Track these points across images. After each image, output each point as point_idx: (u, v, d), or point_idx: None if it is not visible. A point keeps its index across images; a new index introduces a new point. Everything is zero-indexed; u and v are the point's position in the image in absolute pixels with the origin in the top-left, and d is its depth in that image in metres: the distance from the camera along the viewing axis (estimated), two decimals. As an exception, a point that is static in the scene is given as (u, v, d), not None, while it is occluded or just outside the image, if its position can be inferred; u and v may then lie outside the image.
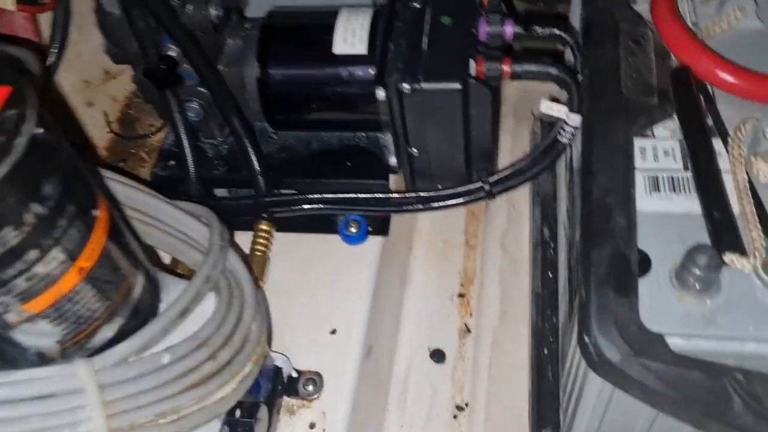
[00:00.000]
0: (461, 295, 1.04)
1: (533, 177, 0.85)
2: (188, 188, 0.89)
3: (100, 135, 1.10)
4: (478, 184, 0.85)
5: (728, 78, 0.69)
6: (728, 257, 0.58)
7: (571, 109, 0.79)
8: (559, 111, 0.80)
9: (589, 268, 0.59)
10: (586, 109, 0.73)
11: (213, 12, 0.83)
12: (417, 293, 1.04)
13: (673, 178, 0.65)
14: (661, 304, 0.58)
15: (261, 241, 0.85)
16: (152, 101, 0.93)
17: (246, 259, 0.82)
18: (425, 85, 0.76)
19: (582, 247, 0.62)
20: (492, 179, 0.85)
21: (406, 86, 0.76)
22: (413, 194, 0.87)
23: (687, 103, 0.69)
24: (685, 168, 0.66)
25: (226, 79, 0.88)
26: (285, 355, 0.78)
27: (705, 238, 0.61)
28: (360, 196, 0.87)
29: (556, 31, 0.81)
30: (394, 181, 0.93)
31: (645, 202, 0.64)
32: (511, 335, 1.01)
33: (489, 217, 1.13)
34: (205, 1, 0.82)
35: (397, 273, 1.02)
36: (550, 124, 0.85)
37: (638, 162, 0.67)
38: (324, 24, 0.87)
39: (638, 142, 0.68)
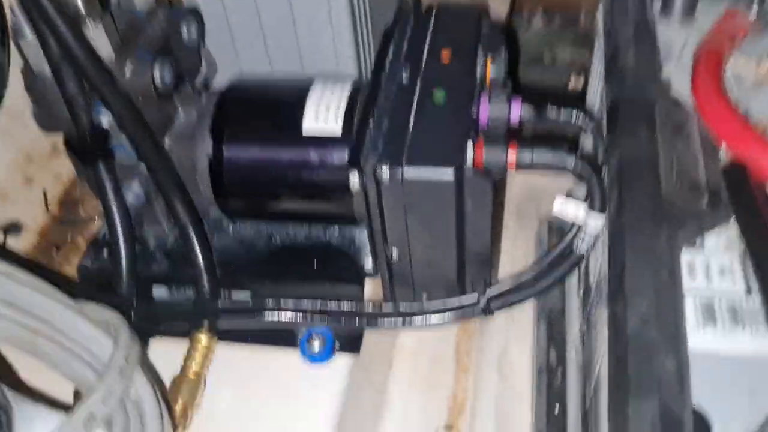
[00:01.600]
0: (448, 427, 0.87)
1: (540, 292, 0.69)
2: (117, 284, 0.72)
3: (34, 216, 0.94)
4: (473, 298, 0.68)
5: (799, 178, 0.54)
6: (826, 427, 0.41)
7: (593, 207, 0.63)
8: (576, 212, 0.64)
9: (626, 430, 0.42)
10: (615, 212, 0.56)
11: (158, 75, 0.68)
12: (395, 425, 0.86)
13: (734, 306, 0.49)
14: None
15: (196, 357, 0.68)
16: (87, 180, 0.77)
17: (177, 381, 0.65)
18: (409, 173, 0.60)
19: (614, 403, 0.44)
20: (490, 293, 0.68)
21: (385, 172, 0.60)
22: (392, 307, 0.70)
23: (747, 208, 0.53)
24: (748, 291, 0.50)
25: (173, 157, 0.73)
26: None
27: (787, 395, 0.44)
28: (324, 304, 0.70)
29: (575, 114, 0.66)
30: (371, 286, 0.77)
31: (697, 338, 0.48)
32: None
33: (485, 333, 0.96)
34: (149, 63, 0.67)
35: (371, 399, 0.85)
36: (559, 229, 0.69)
37: (686, 282, 0.50)
38: (294, 97, 0.73)
39: (685, 256, 0.52)
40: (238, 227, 0.80)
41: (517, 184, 1.12)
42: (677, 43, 0.70)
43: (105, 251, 0.79)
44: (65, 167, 0.99)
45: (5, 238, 0.89)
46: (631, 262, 0.50)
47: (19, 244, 0.91)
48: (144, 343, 0.74)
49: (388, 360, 0.92)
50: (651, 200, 0.54)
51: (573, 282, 0.89)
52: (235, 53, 0.85)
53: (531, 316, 0.94)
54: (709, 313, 0.49)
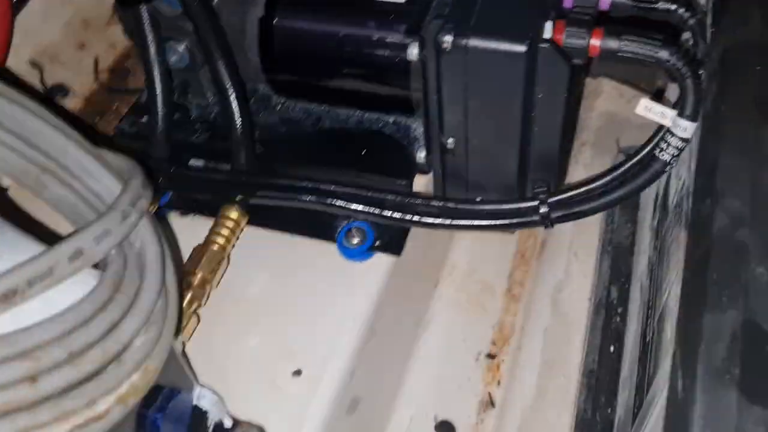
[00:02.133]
0: (491, 356, 0.83)
1: (611, 204, 0.60)
2: (152, 148, 0.68)
3: (82, 81, 0.91)
4: (534, 203, 0.60)
5: None
6: None
7: (682, 114, 0.54)
8: (663, 115, 0.56)
9: (698, 347, 0.34)
10: (713, 105, 0.48)
11: None
12: (433, 343, 0.81)
13: None
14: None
15: (222, 231, 0.63)
16: (132, 36, 0.73)
17: (197, 251, 0.60)
18: (475, 42, 0.52)
19: (685, 313, 0.37)
20: (553, 199, 0.60)
21: (447, 39, 0.53)
22: (438, 202, 0.63)
23: None
24: None
25: (222, 16, 0.67)
26: (216, 394, 0.55)
27: None
28: (368, 194, 0.63)
29: (674, 5, 0.56)
30: (423, 184, 0.70)
31: (799, 251, 0.39)
32: (547, 421, 0.77)
33: (543, 261, 0.90)
34: None
35: (410, 311, 0.80)
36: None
37: (794, 188, 0.42)
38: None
39: (796, 160, 0.43)
40: (286, 105, 0.74)
41: (596, 110, 1.03)
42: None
43: (144, 117, 0.74)
44: (121, 36, 0.95)
45: (51, 100, 0.86)
46: (727, 155, 0.42)
47: (64, 106, 0.87)
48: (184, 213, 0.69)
49: (435, 274, 0.86)
50: (761, 92, 0.45)
51: (646, 215, 0.81)
52: None
53: (595, 249, 0.87)
54: (818, 228, 0.40)
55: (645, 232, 0.77)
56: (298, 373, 0.63)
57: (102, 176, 0.49)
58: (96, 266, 0.44)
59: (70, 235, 0.41)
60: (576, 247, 0.89)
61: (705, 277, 0.37)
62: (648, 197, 0.79)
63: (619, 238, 0.88)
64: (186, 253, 0.65)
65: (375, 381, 0.72)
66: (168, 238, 0.57)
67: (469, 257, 0.90)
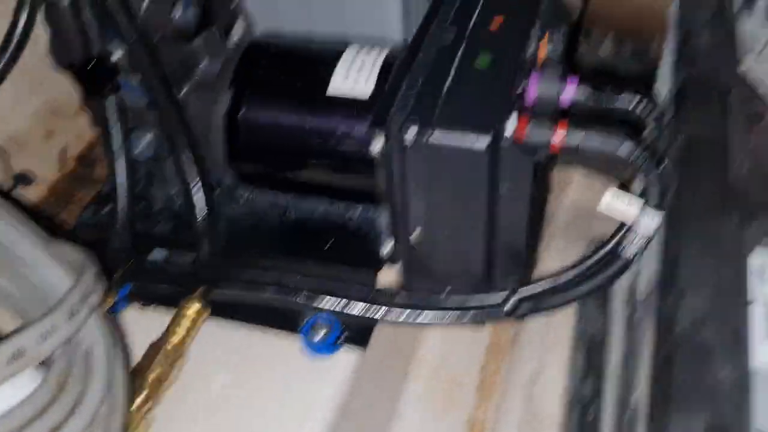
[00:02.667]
0: None
1: (580, 297, 0.59)
2: (114, 239, 0.66)
3: (48, 169, 0.90)
4: (501, 296, 0.59)
5: None
6: None
7: (646, 208, 0.54)
8: (628, 208, 0.55)
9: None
10: (675, 200, 0.48)
11: (179, 12, 0.62)
12: None
13: (814, 320, 0.39)
14: None
15: (181, 325, 0.61)
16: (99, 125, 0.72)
17: (154, 346, 0.58)
18: (438, 137, 0.52)
19: (652, 415, 0.35)
20: (521, 293, 0.59)
21: (409, 135, 0.53)
22: (404, 296, 0.61)
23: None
24: (833, 307, 0.40)
25: (189, 108, 0.67)
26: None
27: None
28: (333, 288, 0.62)
29: (637, 98, 0.57)
30: (388, 277, 0.69)
31: (765, 352, 0.38)
32: None
33: (515, 354, 0.88)
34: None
35: (379, 406, 0.76)
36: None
37: (756, 286, 0.41)
38: (326, 55, 0.66)
39: (756, 256, 0.43)
40: (252, 196, 0.73)
41: (567, 201, 1.04)
42: (760, 39, 0.62)
43: (106, 207, 0.73)
44: (88, 125, 0.95)
45: (14, 188, 0.85)
46: (688, 252, 0.42)
47: (27, 194, 0.86)
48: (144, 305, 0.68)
49: (403, 368, 0.84)
50: (718, 186, 0.45)
51: (618, 306, 0.80)
52: (276, 11, 0.78)
53: (569, 341, 0.86)
54: (781, 326, 0.40)
55: (617, 324, 0.76)
56: (259, 473, 0.60)
57: (52, 269, 0.47)
58: (41, 363, 0.42)
59: (12, 333, 0.39)
60: (549, 340, 0.88)
61: (671, 379, 0.36)
62: (618, 288, 0.79)
63: (592, 329, 0.87)
64: (145, 348, 0.63)
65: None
66: (122, 333, 0.55)
67: (440, 350, 0.88)
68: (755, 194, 0.45)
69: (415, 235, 0.60)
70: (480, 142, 0.53)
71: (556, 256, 0.95)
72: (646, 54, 1.43)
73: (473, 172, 0.54)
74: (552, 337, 0.87)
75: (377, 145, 0.56)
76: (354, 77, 0.64)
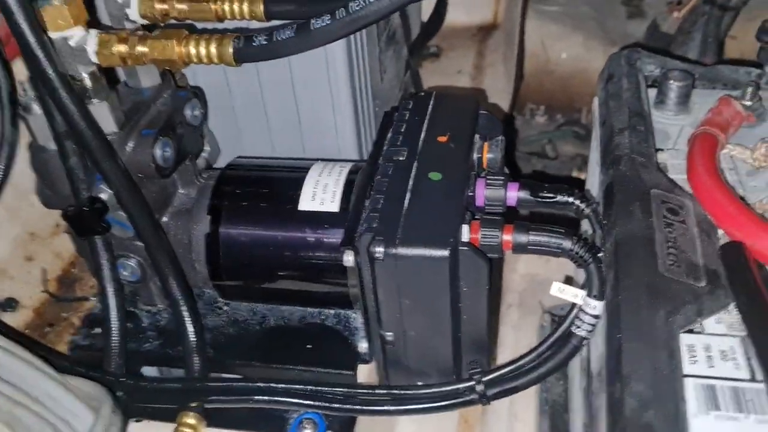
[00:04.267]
0: None
1: (540, 378, 0.66)
2: (107, 362, 0.70)
3: (31, 293, 0.93)
4: (469, 384, 0.66)
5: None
6: None
7: (590, 294, 0.62)
8: (574, 296, 0.63)
9: None
10: (612, 294, 0.55)
11: (159, 154, 0.69)
12: None
13: (737, 392, 0.47)
14: None
15: (181, 440, 0.65)
16: (84, 255, 0.77)
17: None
18: (403, 250, 0.60)
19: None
20: (487, 378, 0.66)
21: (379, 250, 0.60)
22: (384, 391, 0.67)
23: (747, 288, 0.52)
24: (753, 378, 0.48)
25: (170, 234, 0.73)
26: None
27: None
28: (316, 389, 0.68)
29: (571, 199, 0.65)
30: (367, 372, 0.74)
31: (700, 424, 0.45)
32: None
33: (485, 425, 0.93)
34: (151, 141, 0.68)
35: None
36: (562, 318, 0.67)
37: (686, 366, 0.49)
38: (292, 177, 0.73)
39: (685, 339, 0.50)
40: (232, 307, 0.79)
41: (519, 274, 1.11)
42: (673, 131, 0.70)
43: (97, 328, 0.78)
44: (66, 246, 0.99)
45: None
46: (627, 342, 0.49)
47: (14, 320, 0.89)
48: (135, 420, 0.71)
49: (383, 454, 0.89)
50: (648, 280, 0.53)
51: (576, 375, 0.86)
52: (239, 137, 0.86)
53: (534, 411, 0.91)
54: (711, 398, 0.47)
55: (576, 393, 0.83)
56: None
57: (73, 406, 0.52)
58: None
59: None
60: (515, 409, 0.93)
61: (624, 459, 0.42)
62: (575, 359, 0.85)
63: (554, 396, 0.93)
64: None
65: None
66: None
67: (416, 429, 0.93)
68: (680, 284, 0.53)
69: (389, 335, 0.67)
70: (441, 251, 0.60)
71: (511, 329, 1.01)
72: (578, 121, 1.54)
73: (437, 277, 0.61)
74: (518, 406, 0.93)
75: (349, 260, 0.63)
76: (320, 197, 0.71)
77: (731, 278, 0.54)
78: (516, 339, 0.99)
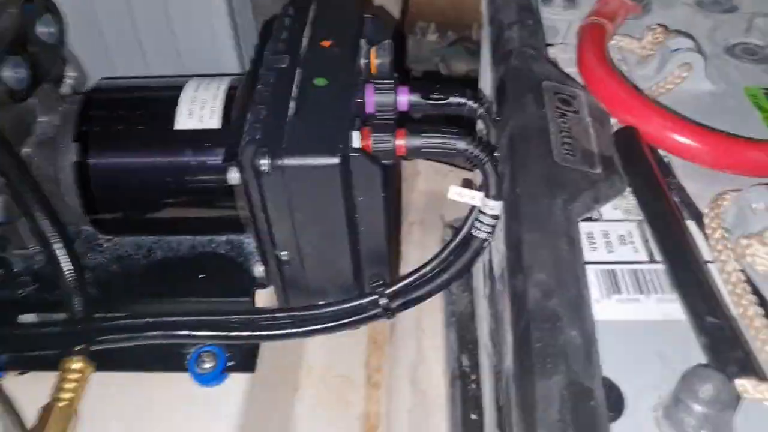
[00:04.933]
0: None
1: (444, 285, 0.64)
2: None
3: None
4: (371, 298, 0.63)
5: (692, 141, 0.52)
6: (741, 384, 0.38)
7: (488, 195, 0.60)
8: (472, 198, 0.61)
9: (534, 413, 0.38)
10: (510, 187, 0.53)
11: (10, 74, 0.61)
12: None
13: (636, 274, 0.46)
14: (649, 466, 0.37)
15: (67, 386, 0.60)
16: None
17: (43, 412, 0.57)
18: (290, 161, 0.55)
19: (519, 381, 0.41)
20: (389, 291, 0.63)
21: (264, 162, 0.55)
22: (284, 314, 0.64)
23: (642, 172, 0.51)
24: (651, 260, 0.47)
25: (33, 167, 0.66)
26: None
27: (696, 356, 0.41)
28: (211, 319, 0.64)
29: (463, 99, 0.63)
30: (266, 298, 0.71)
31: (603, 308, 0.45)
32: None
33: (395, 345, 0.92)
34: (-3, 61, 0.61)
35: (274, 423, 0.78)
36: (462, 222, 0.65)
37: (587, 253, 0.47)
38: (165, 96, 0.67)
39: (584, 227, 0.49)
40: (114, 242, 0.73)
41: (419, 192, 1.10)
42: (561, 26, 0.69)
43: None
44: None
45: None
46: (528, 233, 0.47)
47: None
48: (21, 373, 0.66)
49: (293, 380, 0.86)
50: (544, 170, 0.51)
51: (479, 284, 0.86)
52: (107, 57, 0.78)
53: (441, 324, 0.91)
54: (612, 283, 0.46)
55: (481, 300, 0.82)
56: None
57: None
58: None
59: None
60: (423, 324, 0.93)
61: (529, 347, 0.41)
62: (478, 267, 0.85)
63: (460, 307, 0.93)
64: (31, 416, 0.62)
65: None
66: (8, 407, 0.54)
67: (325, 355, 0.91)
68: (576, 172, 0.51)
69: (284, 255, 0.63)
70: (331, 158, 0.56)
71: (417, 248, 1.00)
72: (469, 38, 1.53)
73: (328, 188, 0.58)
74: (425, 322, 0.92)
75: (234, 177, 0.58)
76: (198, 114, 0.65)
77: (626, 163, 0.53)
78: (421, 257, 0.98)
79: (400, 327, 0.91)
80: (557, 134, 0.54)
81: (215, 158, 0.64)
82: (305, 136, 0.57)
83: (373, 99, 0.64)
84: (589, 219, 0.51)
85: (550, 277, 0.44)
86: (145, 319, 0.65)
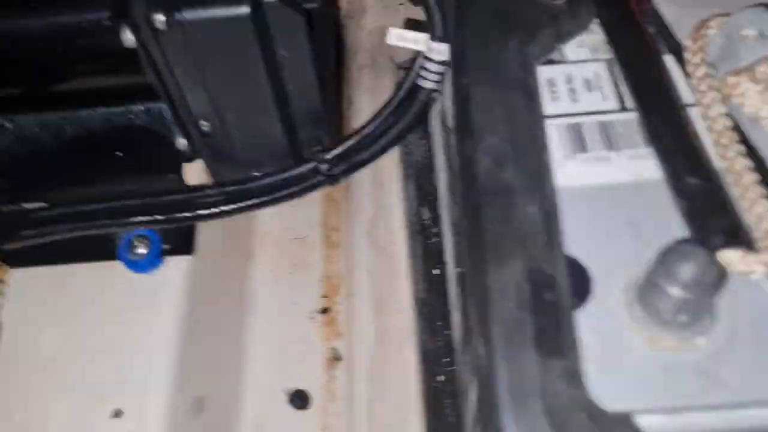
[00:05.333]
0: (325, 311, 0.82)
1: (389, 146, 0.57)
2: None
3: None
4: (311, 165, 0.56)
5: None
6: (725, 256, 0.32)
7: (434, 37, 0.51)
8: (416, 42, 0.53)
9: (489, 310, 0.32)
10: (455, 30, 0.45)
11: None
12: (263, 317, 0.79)
13: (605, 127, 0.39)
14: (620, 357, 0.32)
15: (-22, 292, 0.54)
16: None
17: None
18: (190, 14, 0.46)
19: (471, 270, 0.35)
20: (330, 155, 0.56)
21: (159, 18, 0.46)
22: (215, 190, 0.57)
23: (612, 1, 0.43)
24: (622, 107, 0.40)
25: None
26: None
27: (677, 228, 0.35)
28: (137, 202, 0.57)
29: None
30: (195, 171, 0.64)
31: (566, 170, 0.38)
32: (394, 359, 0.77)
33: (351, 202, 0.87)
34: None
35: (229, 296, 0.75)
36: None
37: (547, 105, 0.40)
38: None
39: (544, 72, 0.41)
40: (14, 123, 0.63)
41: (366, 30, 0.99)
42: None
43: None
44: None
45: None
46: (476, 87, 0.39)
47: None
48: None
49: (246, 248, 0.81)
50: (495, 5, 0.42)
51: (436, 131, 0.80)
52: None
53: (398, 177, 0.85)
54: (577, 139, 0.39)
55: (438, 149, 0.76)
56: (117, 414, 0.56)
57: None
58: None
59: None
60: (380, 178, 0.87)
61: (480, 229, 0.35)
62: (433, 114, 0.78)
63: (417, 157, 0.86)
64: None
65: (214, 376, 0.69)
66: None
67: (278, 218, 0.86)
68: (532, 7, 0.43)
69: (205, 124, 0.55)
70: (239, 8, 0.47)
71: (368, 93, 0.92)
72: None
73: (241, 44, 0.48)
74: (382, 174, 0.86)
75: (128, 39, 0.49)
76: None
77: (593, -11, 0.44)
78: (374, 104, 0.90)
79: (357, 180, 0.85)
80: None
81: (105, 16, 0.54)
82: (206, -16, 0.47)
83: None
84: (550, 62, 0.43)
85: (504, 141, 0.37)
86: (63, 209, 0.57)
